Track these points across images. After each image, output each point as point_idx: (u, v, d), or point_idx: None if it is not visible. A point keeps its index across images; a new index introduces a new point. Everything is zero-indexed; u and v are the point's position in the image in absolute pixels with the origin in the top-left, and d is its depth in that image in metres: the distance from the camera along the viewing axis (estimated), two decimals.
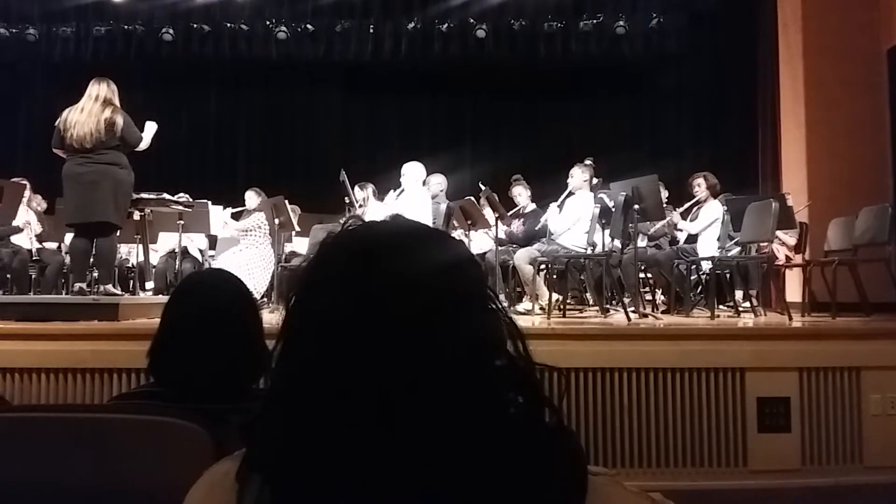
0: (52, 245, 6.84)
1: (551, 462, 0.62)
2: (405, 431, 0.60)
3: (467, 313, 0.66)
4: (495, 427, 0.62)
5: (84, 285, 4.72)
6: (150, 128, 4.93)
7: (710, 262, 5.32)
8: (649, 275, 6.31)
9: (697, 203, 6.08)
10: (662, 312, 5.65)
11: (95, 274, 5.18)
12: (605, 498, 0.62)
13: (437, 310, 0.63)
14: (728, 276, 5.66)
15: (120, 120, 4.63)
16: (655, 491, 0.81)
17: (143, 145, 4.83)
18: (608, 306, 5.46)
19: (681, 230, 6.26)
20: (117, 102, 4.75)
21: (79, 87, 4.79)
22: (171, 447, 1.13)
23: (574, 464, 0.63)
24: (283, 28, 8.59)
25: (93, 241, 4.76)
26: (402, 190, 6.22)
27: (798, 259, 5.93)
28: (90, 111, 4.61)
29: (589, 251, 5.43)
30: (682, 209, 6.17)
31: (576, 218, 5.70)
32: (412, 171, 6.21)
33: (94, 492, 1.13)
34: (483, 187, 6.34)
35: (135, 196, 5.07)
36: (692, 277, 5.74)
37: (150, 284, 6.44)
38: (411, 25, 8.58)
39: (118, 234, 5.00)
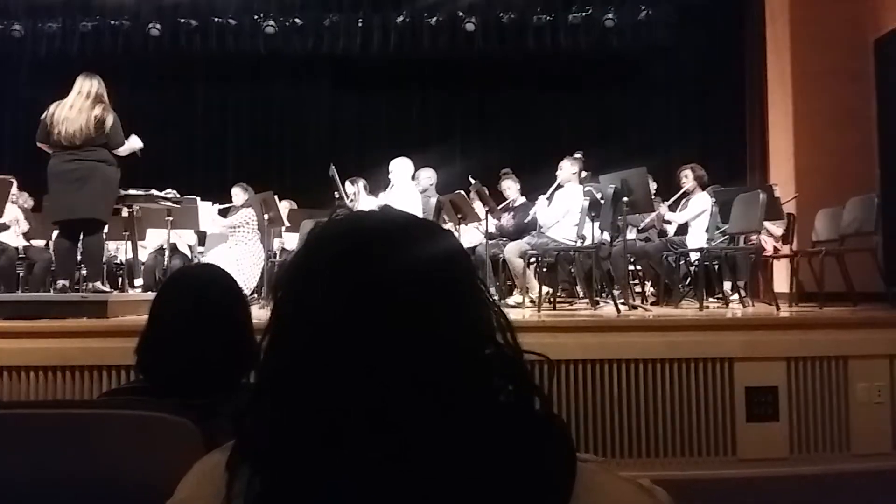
0: (39, 243, 6.78)
1: (541, 448, 0.62)
2: (396, 420, 0.60)
3: (461, 302, 0.66)
4: (486, 414, 0.62)
5: (66, 283, 4.65)
6: (134, 142, 4.78)
7: (698, 254, 5.34)
8: (638, 267, 6.33)
9: (685, 194, 6.10)
10: (652, 304, 5.68)
11: (83, 271, 5.14)
12: (595, 483, 0.63)
13: (431, 299, 0.64)
14: (716, 267, 5.69)
15: (110, 119, 4.55)
16: None
17: (122, 152, 4.69)
18: (598, 298, 5.48)
19: (669, 222, 6.29)
20: (107, 100, 4.66)
21: (66, 83, 4.72)
22: (161, 442, 1.13)
23: (564, 450, 0.64)
24: (272, 22, 8.56)
25: (78, 239, 4.69)
26: (392, 185, 6.21)
27: (786, 250, 5.97)
28: (80, 108, 4.51)
29: (578, 244, 5.44)
30: (670, 201, 6.19)
31: (565, 211, 5.71)
32: (400, 167, 6.22)
33: (85, 487, 1.12)
34: (473, 181, 6.34)
35: (122, 192, 5.02)
36: (681, 269, 5.76)
37: (138, 281, 6.41)
38: (400, 19, 8.56)
39: (106, 230, 4.95)
